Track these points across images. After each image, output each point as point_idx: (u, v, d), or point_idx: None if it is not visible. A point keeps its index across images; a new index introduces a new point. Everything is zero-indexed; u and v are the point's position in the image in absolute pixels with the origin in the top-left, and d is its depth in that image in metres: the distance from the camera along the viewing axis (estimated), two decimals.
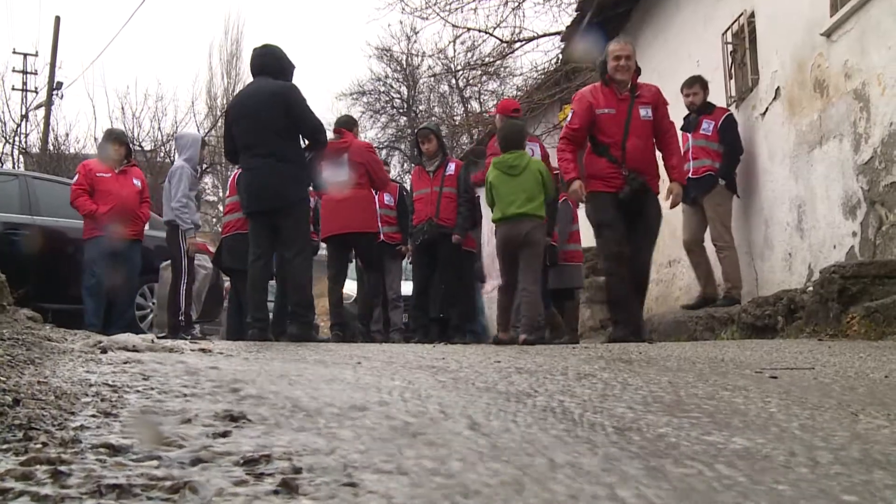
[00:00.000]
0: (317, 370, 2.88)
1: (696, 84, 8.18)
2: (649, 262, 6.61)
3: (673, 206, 6.71)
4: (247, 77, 34.98)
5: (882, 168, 6.08)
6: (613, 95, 6.40)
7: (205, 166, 21.71)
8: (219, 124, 31.83)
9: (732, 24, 8.80)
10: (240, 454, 1.40)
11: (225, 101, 32.80)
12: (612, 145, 6.33)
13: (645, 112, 6.39)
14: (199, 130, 25.38)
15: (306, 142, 6.49)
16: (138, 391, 2.05)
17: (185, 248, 8.39)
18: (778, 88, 7.69)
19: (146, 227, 9.55)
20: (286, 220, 6.22)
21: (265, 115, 6.18)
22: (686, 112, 8.16)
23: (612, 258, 6.39)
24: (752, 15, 8.32)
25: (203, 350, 3.76)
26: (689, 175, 7.75)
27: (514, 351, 4.53)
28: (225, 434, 1.57)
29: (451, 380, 2.68)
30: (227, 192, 8.90)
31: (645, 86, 6.56)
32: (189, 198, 8.42)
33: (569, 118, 6.61)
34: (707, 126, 7.94)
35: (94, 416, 1.71)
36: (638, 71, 6.55)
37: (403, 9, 16.12)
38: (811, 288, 5.80)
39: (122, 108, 27.90)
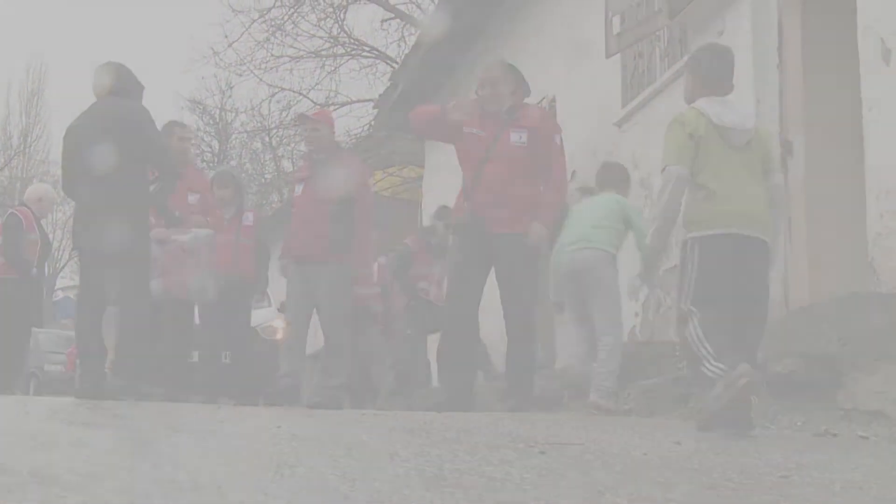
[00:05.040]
0: (73, 432, 2.71)
1: None
2: (518, 313, 5.50)
3: (534, 251, 5.47)
4: (47, 118, 33.06)
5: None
6: (488, 116, 5.63)
7: None
8: (11, 163, 30.12)
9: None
10: None
11: (22, 141, 31.02)
12: (469, 170, 5.66)
13: (518, 137, 5.55)
14: None
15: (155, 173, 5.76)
16: None
17: None
18: (574, 171, 8.05)
19: None
20: (111, 261, 5.45)
21: (110, 139, 5.44)
22: None
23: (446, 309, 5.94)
24: (554, 100, 8.75)
25: None
26: None
27: (302, 415, 4.44)
28: None
29: (216, 446, 2.58)
30: None
31: (527, 109, 5.78)
32: None
33: None
34: None
35: None
36: (526, 91, 5.80)
37: (217, 63, 16.01)
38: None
39: None
